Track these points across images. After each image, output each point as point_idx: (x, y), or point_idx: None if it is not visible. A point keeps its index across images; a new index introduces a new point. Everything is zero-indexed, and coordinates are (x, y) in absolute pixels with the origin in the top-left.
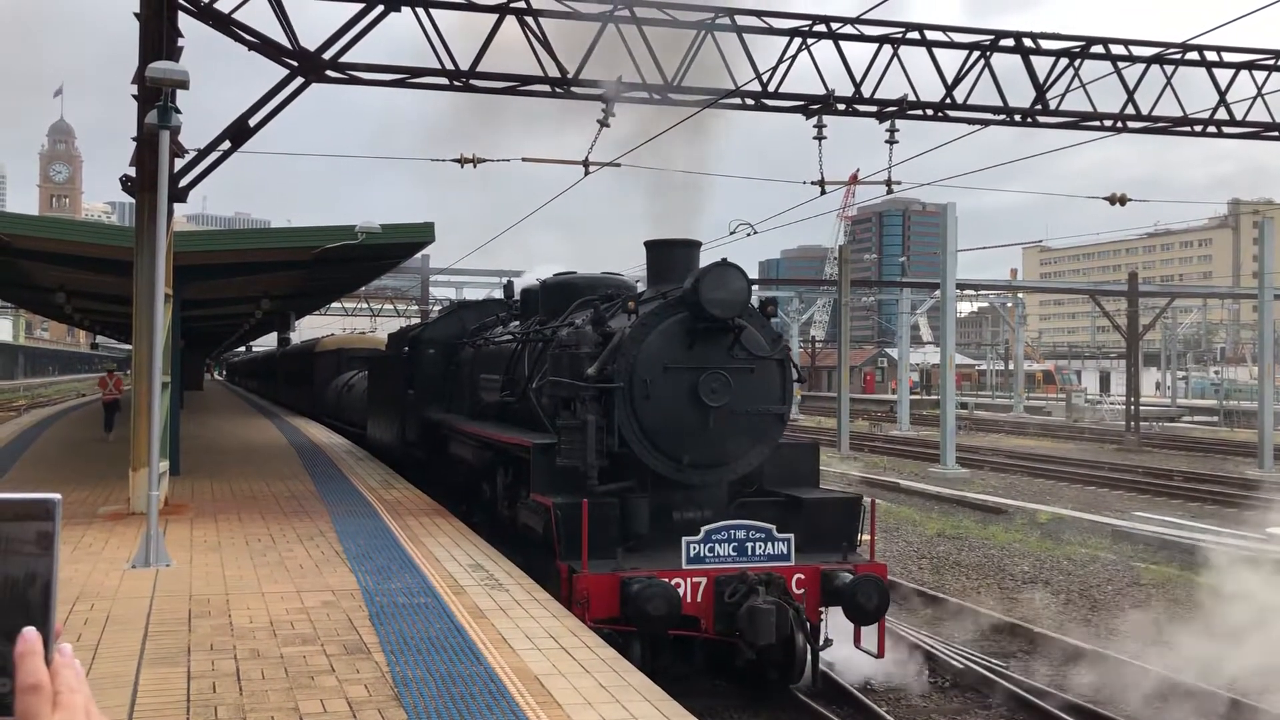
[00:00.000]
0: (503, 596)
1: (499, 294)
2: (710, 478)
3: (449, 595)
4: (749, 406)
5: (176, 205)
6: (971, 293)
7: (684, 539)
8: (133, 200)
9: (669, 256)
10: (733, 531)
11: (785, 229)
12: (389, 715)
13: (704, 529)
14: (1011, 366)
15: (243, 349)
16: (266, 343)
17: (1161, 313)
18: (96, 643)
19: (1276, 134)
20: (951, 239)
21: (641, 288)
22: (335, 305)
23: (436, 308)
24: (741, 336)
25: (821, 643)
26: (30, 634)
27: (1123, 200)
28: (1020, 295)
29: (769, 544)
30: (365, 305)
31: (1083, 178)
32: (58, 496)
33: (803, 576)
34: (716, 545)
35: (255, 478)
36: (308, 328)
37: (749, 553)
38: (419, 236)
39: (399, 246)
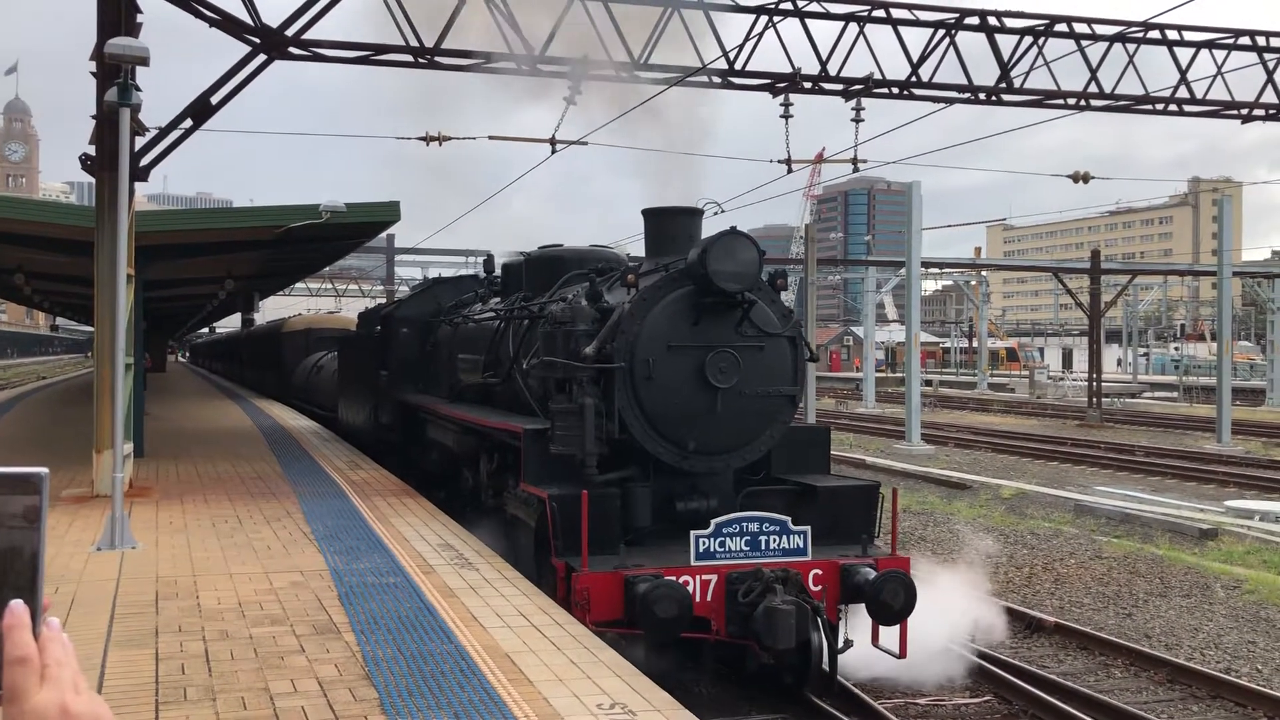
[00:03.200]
0: (472, 575)
1: (466, 273)
2: (717, 465)
3: (418, 574)
4: (759, 388)
5: (138, 185)
6: (936, 271)
7: (693, 533)
8: (92, 180)
9: (669, 225)
10: (745, 524)
11: (751, 208)
12: (360, 694)
13: (714, 522)
14: (975, 344)
15: (206, 330)
16: (230, 324)
17: (1123, 290)
18: (62, 626)
19: (1235, 112)
20: (916, 217)
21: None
22: (300, 286)
23: (402, 288)
24: (750, 312)
25: (841, 644)
26: (17, 607)
27: (1086, 178)
28: (984, 273)
29: (784, 537)
30: (330, 286)
31: (1046, 156)
32: (45, 470)
33: (820, 572)
34: (728, 539)
35: (221, 459)
36: (272, 308)
37: (763, 547)
38: (385, 216)
39: (364, 226)
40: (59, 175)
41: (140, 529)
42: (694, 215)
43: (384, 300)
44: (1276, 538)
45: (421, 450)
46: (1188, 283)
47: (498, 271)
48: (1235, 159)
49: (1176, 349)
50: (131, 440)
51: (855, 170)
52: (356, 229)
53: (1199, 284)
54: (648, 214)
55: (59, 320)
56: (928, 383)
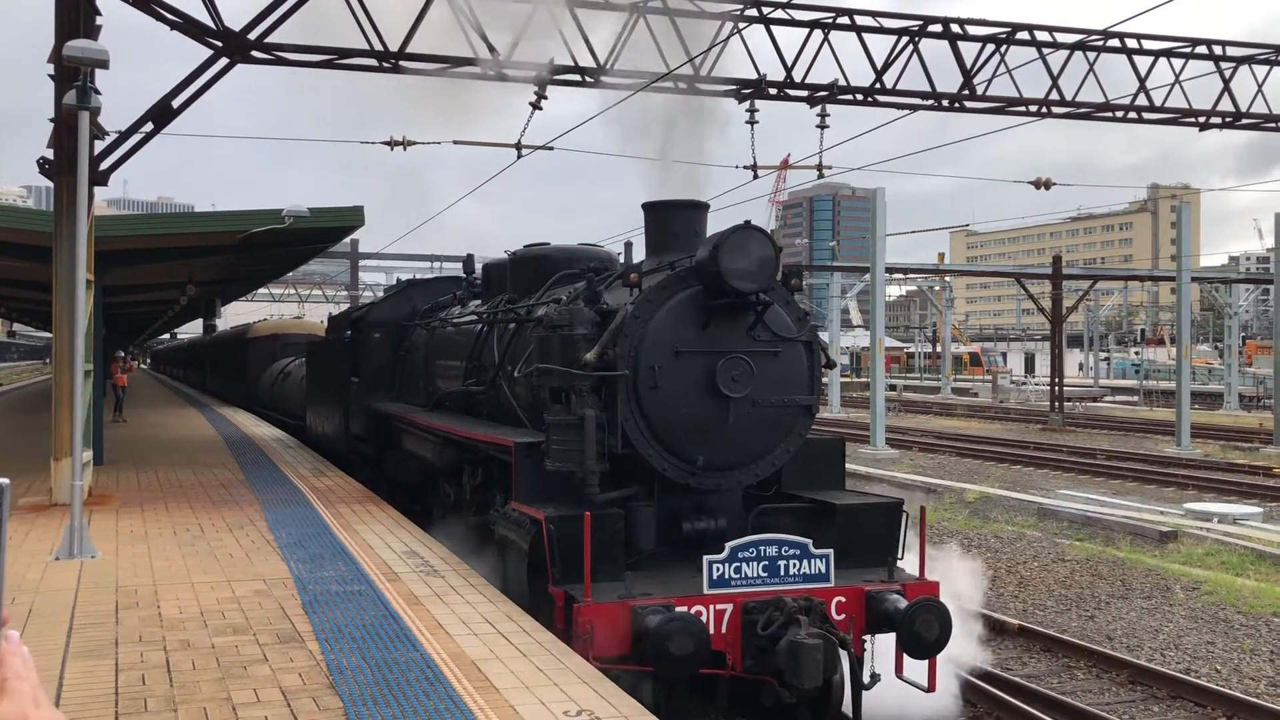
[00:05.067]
0: (438, 582)
1: (443, 275)
2: (727, 481)
3: (383, 582)
4: (773, 397)
5: (97, 189)
6: (900, 276)
7: (706, 558)
8: (50, 184)
9: (672, 221)
10: (762, 548)
11: (717, 213)
12: (324, 703)
13: (728, 546)
14: (939, 349)
15: (168, 336)
16: (192, 329)
17: (1084, 295)
18: (19, 638)
19: (1193, 120)
20: (881, 223)
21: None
22: (262, 291)
23: (366, 293)
24: (764, 314)
25: (868, 679)
26: None
27: (1047, 185)
28: (947, 279)
29: (805, 562)
30: (293, 291)
31: (1008, 163)
32: (5, 481)
33: (844, 600)
34: (743, 564)
35: (183, 467)
36: (234, 314)
37: (781, 572)
38: (348, 221)
39: (328, 231)
40: (16, 179)
41: (100, 538)
42: (699, 210)
43: (348, 306)
44: (1234, 539)
45: (396, 462)
46: (1147, 288)
47: (478, 272)
48: (1192, 166)
49: (1137, 353)
50: (91, 448)
51: (820, 176)
52: (320, 234)
53: (1158, 289)
54: (649, 208)
55: (15, 326)
56: (892, 387)
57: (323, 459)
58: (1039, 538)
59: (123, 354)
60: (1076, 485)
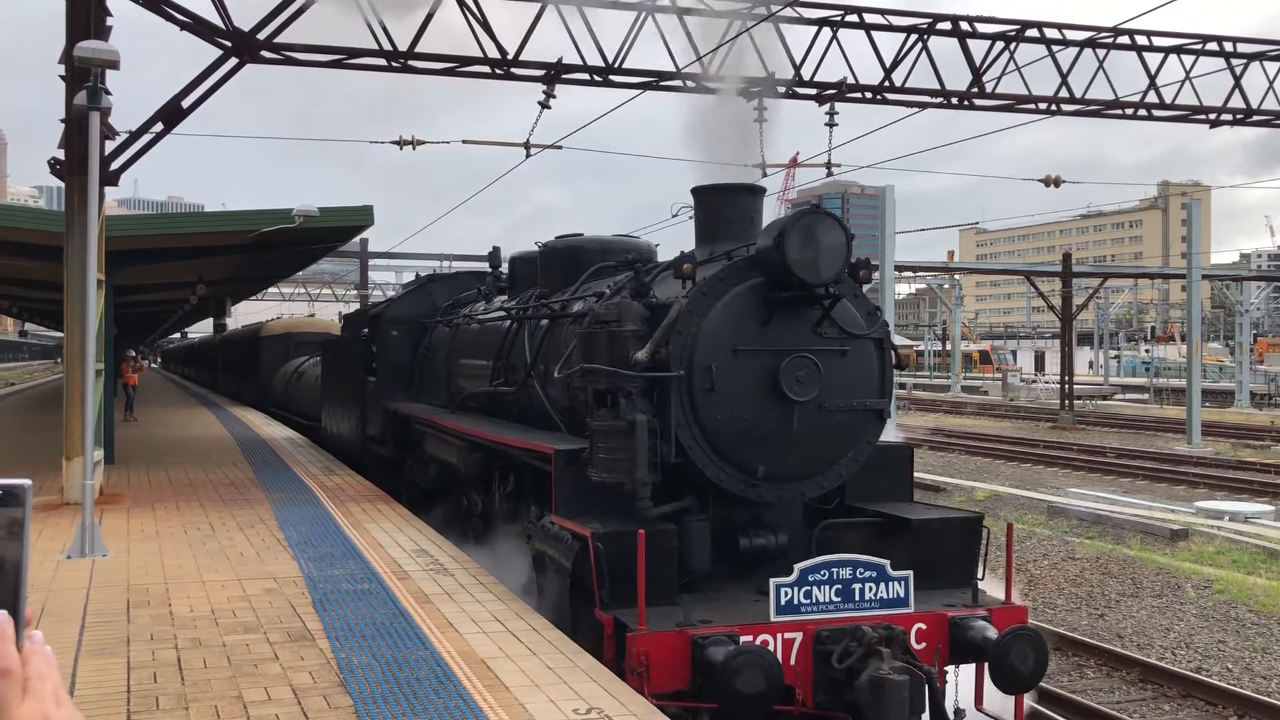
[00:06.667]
0: (448, 581)
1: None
2: (789, 493)
3: (393, 581)
4: (842, 401)
5: (108, 189)
6: (910, 274)
7: (773, 582)
8: (61, 184)
9: (726, 207)
10: (835, 570)
11: None
12: (335, 701)
13: (798, 568)
14: (949, 347)
15: (178, 335)
16: (201, 329)
17: (1094, 293)
18: (43, 638)
19: (1203, 117)
20: (890, 221)
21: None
22: (272, 290)
23: (375, 292)
24: (832, 309)
25: (952, 715)
26: (1, 619)
27: (1057, 182)
28: (957, 276)
29: (882, 585)
30: (303, 290)
31: (1017, 160)
32: (28, 482)
33: (925, 627)
34: (814, 588)
35: (193, 466)
36: (244, 313)
37: (856, 597)
38: (358, 220)
39: (337, 230)
40: (27, 179)
41: (111, 537)
42: (755, 195)
43: (358, 305)
44: (1246, 538)
45: (417, 466)
46: (1158, 285)
47: (504, 266)
48: (1202, 163)
49: (1147, 351)
50: (102, 447)
51: (829, 174)
52: (329, 233)
53: (1169, 287)
54: (699, 193)
55: (27, 325)
56: (901, 385)
57: (334, 459)
58: (1049, 536)
59: (133, 353)
60: (1086, 483)
